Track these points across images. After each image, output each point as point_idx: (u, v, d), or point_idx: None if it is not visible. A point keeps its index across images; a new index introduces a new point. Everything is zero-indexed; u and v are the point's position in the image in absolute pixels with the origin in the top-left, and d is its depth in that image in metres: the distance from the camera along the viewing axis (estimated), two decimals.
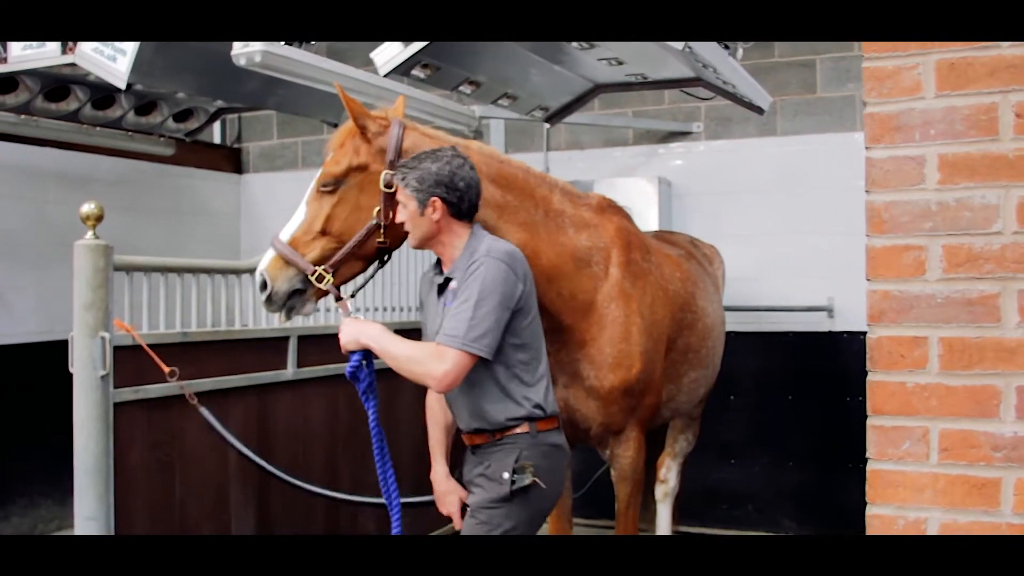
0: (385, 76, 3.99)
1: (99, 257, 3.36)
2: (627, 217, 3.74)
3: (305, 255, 3.08)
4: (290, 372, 4.30)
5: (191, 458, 3.71)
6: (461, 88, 4.58)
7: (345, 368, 3.08)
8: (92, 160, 6.17)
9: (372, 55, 3.96)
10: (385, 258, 3.23)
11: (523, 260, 2.96)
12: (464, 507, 3.11)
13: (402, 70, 4.01)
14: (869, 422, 2.04)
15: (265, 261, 3.14)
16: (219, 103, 6.01)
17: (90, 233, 3.39)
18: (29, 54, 4.53)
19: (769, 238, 6.39)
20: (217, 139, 7.70)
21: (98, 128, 5.87)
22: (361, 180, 3.09)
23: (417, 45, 3.84)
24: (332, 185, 3.09)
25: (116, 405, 3.42)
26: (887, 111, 2.01)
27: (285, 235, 3.13)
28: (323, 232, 3.09)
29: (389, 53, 3.91)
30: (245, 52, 4.04)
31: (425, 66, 4.12)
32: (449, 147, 3.03)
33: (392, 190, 3.00)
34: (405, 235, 3.09)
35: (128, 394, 3.48)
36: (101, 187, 6.28)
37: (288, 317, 3.24)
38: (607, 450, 3.64)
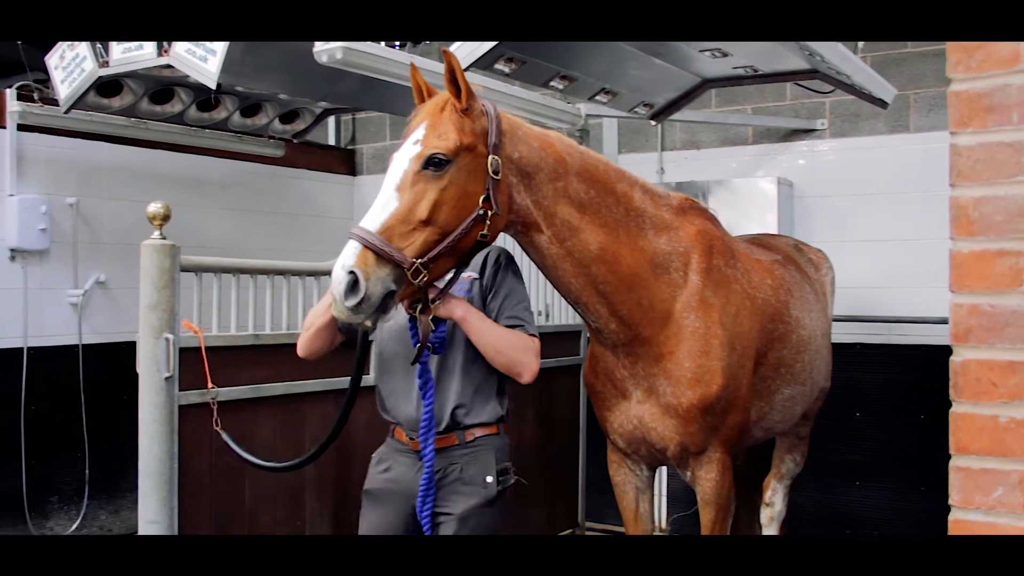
0: (464, 71, 3.81)
1: (164, 257, 3.31)
2: (711, 219, 3.43)
3: (402, 248, 2.61)
4: (372, 377, 4.16)
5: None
6: (552, 83, 4.36)
7: (431, 336, 2.90)
8: (203, 162, 6.26)
9: (451, 49, 3.78)
10: (468, 259, 2.91)
11: None
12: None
13: (483, 64, 3.83)
14: (952, 463, 1.70)
15: (351, 255, 2.58)
16: (323, 104, 5.98)
17: (156, 232, 3.35)
18: (128, 56, 4.59)
19: (900, 244, 5.91)
20: (332, 140, 7.74)
21: (207, 130, 5.93)
22: (469, 162, 2.71)
23: None
24: (439, 167, 2.66)
25: (182, 407, 3.36)
26: (977, 88, 1.67)
27: (373, 224, 2.62)
28: (426, 222, 2.63)
29: (469, 47, 3.73)
30: (326, 49, 3.95)
31: (509, 60, 3.92)
32: None
33: (499, 176, 2.78)
34: (503, 228, 2.88)
35: (195, 396, 3.41)
36: (213, 188, 6.38)
37: (374, 326, 2.74)
38: (688, 472, 3.35)
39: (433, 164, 2.67)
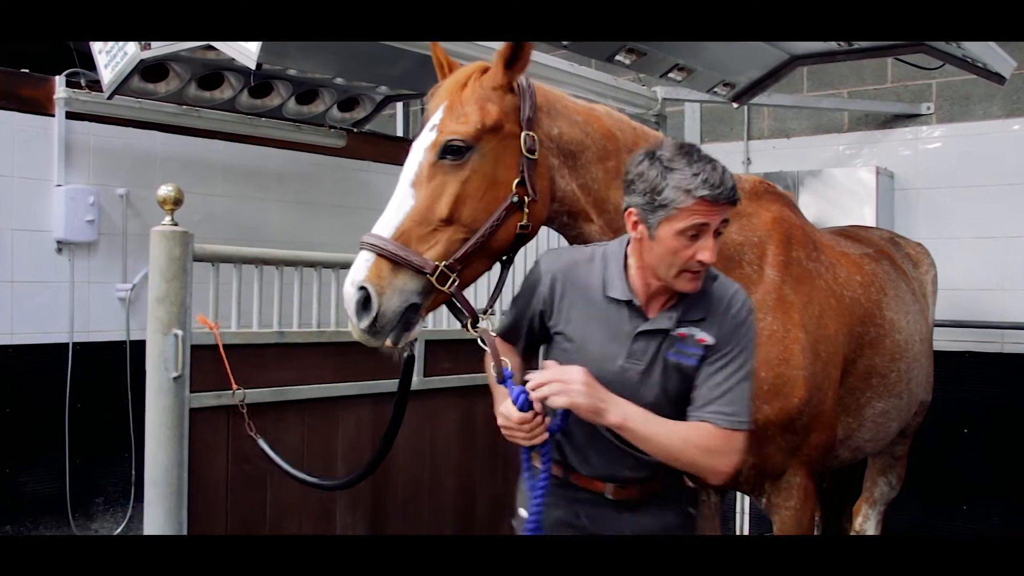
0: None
1: (174, 245, 3.00)
2: (788, 204, 2.95)
3: (423, 252, 2.25)
4: (415, 381, 3.79)
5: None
6: (618, 58, 3.93)
7: (548, 424, 2.23)
8: (260, 152, 5.98)
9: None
10: (512, 255, 2.50)
11: None
12: None
13: None
14: None
15: (362, 268, 2.22)
16: (383, 90, 5.65)
17: (168, 218, 3.04)
18: None
19: (1017, 241, 5.32)
20: (400, 131, 7.44)
21: (262, 118, 5.67)
22: (496, 146, 2.33)
23: None
24: (458, 154, 2.28)
25: (194, 411, 3.06)
26: None
27: (386, 229, 2.26)
28: (448, 220, 2.26)
29: None
30: None
31: None
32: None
33: (535, 156, 2.37)
34: (545, 219, 2.47)
35: (209, 399, 3.11)
36: (270, 180, 6.11)
37: (396, 343, 2.31)
38: (763, 498, 2.88)
39: (451, 152, 2.30)
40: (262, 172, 6.06)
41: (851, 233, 3.60)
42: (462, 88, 2.39)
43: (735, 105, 4.84)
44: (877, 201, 5.42)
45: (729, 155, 6.21)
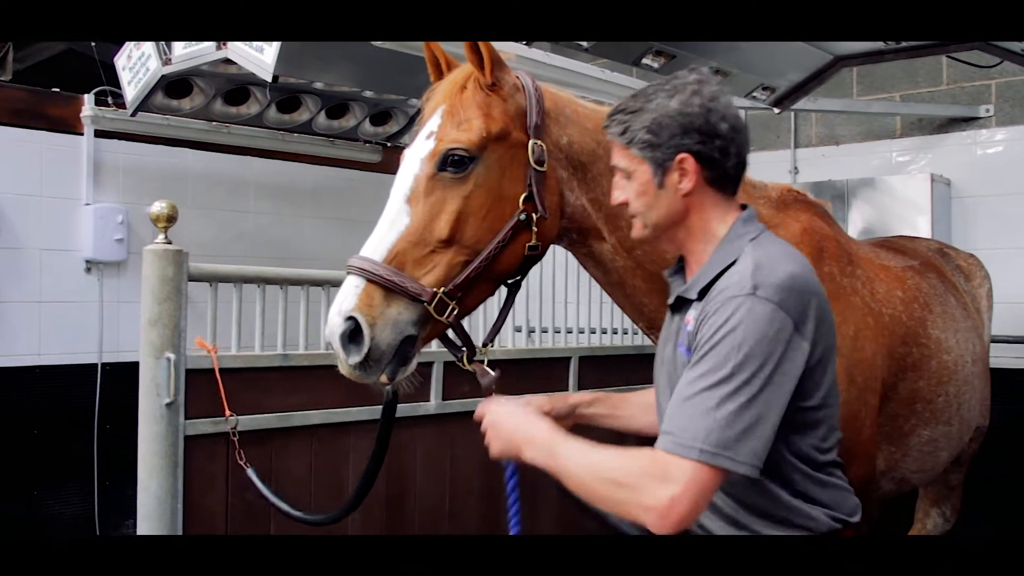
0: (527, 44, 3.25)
1: (168, 264, 2.86)
2: (820, 214, 2.69)
3: (419, 277, 2.04)
4: (433, 404, 3.63)
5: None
6: (645, 61, 3.72)
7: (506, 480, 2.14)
8: (293, 168, 5.91)
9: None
10: (519, 278, 2.26)
11: (810, 285, 1.80)
12: None
13: None
14: None
15: (350, 296, 2.02)
16: (415, 102, 5.51)
17: (161, 236, 2.91)
18: (189, 52, 4.29)
19: None
20: None
21: (295, 134, 5.58)
22: (501, 156, 2.12)
23: None
24: (460, 166, 2.06)
25: (189, 438, 2.92)
26: None
27: (377, 251, 2.05)
28: (448, 240, 2.05)
29: None
30: None
31: None
32: (688, 71, 1.92)
33: (543, 168, 2.15)
34: (556, 237, 2.25)
35: (206, 426, 2.96)
36: (304, 197, 6.03)
37: (393, 378, 2.10)
38: None
39: (452, 164, 2.07)
40: (296, 188, 5.99)
41: (894, 244, 3.33)
42: (462, 90, 2.17)
43: (776, 110, 4.60)
44: (932, 210, 5.13)
45: (776, 164, 5.95)
